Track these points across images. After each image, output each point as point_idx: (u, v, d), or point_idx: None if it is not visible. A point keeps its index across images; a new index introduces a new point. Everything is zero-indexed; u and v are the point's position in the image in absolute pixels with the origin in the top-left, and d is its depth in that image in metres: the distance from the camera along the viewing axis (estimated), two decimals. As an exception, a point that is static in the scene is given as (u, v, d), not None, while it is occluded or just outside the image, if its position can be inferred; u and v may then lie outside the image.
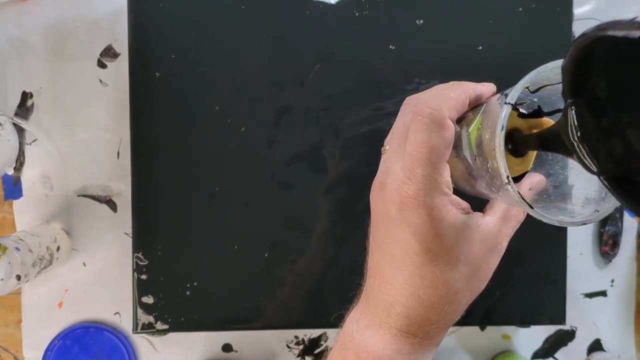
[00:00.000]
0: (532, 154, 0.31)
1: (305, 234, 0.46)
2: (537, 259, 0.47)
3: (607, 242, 0.52)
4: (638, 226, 0.54)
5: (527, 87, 0.28)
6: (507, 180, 0.25)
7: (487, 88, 0.32)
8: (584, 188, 0.29)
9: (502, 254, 0.32)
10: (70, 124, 0.51)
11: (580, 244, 0.53)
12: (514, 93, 0.26)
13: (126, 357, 0.52)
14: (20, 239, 0.45)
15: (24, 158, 0.52)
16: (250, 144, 0.46)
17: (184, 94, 0.46)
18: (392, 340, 0.30)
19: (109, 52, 0.51)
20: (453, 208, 0.29)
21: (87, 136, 0.51)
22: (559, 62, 0.25)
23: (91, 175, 0.52)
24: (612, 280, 0.54)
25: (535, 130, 0.31)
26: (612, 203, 0.27)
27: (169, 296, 0.46)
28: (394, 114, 0.34)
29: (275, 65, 0.46)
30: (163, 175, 0.46)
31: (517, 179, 0.31)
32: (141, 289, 0.46)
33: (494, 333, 0.54)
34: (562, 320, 0.48)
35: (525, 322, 0.48)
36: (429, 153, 0.28)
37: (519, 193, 0.25)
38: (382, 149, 0.33)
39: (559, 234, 0.47)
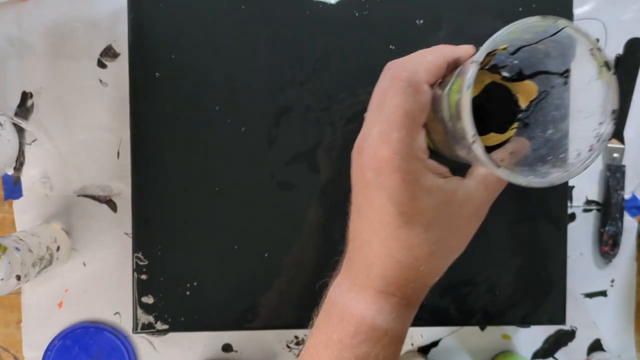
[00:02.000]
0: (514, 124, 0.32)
1: (305, 234, 0.46)
2: (537, 259, 0.47)
3: (607, 242, 0.52)
4: (638, 226, 0.54)
5: (505, 49, 0.29)
6: (472, 139, 0.25)
7: (465, 51, 0.32)
8: (560, 149, 0.29)
9: (482, 219, 0.32)
10: (70, 124, 0.51)
11: (580, 244, 0.53)
12: (481, 52, 0.25)
13: (126, 357, 0.52)
14: (20, 239, 0.45)
15: (24, 158, 0.52)
16: (250, 144, 0.46)
17: (184, 94, 0.46)
18: (372, 301, 0.31)
19: (109, 52, 0.51)
20: (429, 172, 0.29)
21: (87, 136, 0.51)
22: (529, 20, 0.25)
23: (91, 175, 0.52)
24: (612, 280, 0.54)
25: (519, 94, 0.32)
26: (581, 164, 0.27)
27: (169, 296, 0.46)
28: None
29: (275, 65, 0.46)
30: (163, 175, 0.46)
31: (500, 146, 0.31)
32: (141, 289, 0.46)
33: (494, 333, 0.54)
34: (562, 320, 0.48)
35: (525, 322, 0.48)
36: (404, 117, 0.28)
37: (483, 150, 0.25)
38: (364, 115, 0.33)
39: (559, 234, 0.47)
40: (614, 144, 0.53)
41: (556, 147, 0.29)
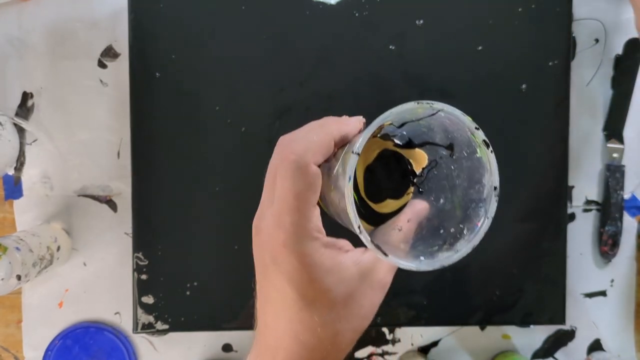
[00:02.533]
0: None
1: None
2: (537, 259, 0.47)
3: (607, 242, 0.52)
4: (638, 226, 0.54)
5: (391, 124, 0.30)
6: (358, 230, 0.26)
7: (352, 127, 0.31)
8: (451, 222, 0.29)
9: (387, 288, 0.31)
10: (71, 124, 0.51)
11: (580, 244, 0.53)
12: (360, 142, 0.26)
13: (126, 357, 0.52)
14: (21, 239, 0.45)
15: (24, 158, 0.52)
16: (250, 144, 0.46)
17: (184, 94, 0.46)
18: None
19: (109, 52, 0.51)
20: (327, 251, 0.29)
21: (88, 136, 0.51)
22: (405, 107, 0.26)
23: (91, 175, 0.52)
24: (612, 280, 0.54)
25: (412, 160, 0.33)
26: (468, 243, 0.27)
27: (169, 296, 0.46)
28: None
29: (275, 65, 0.46)
30: (163, 176, 0.46)
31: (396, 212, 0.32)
32: (141, 289, 0.46)
33: (494, 333, 0.54)
34: (562, 320, 0.48)
35: (525, 322, 0.48)
36: (295, 200, 0.28)
37: (369, 241, 0.26)
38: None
39: (559, 234, 0.47)
40: (614, 144, 0.53)
41: (448, 219, 0.30)
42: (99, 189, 0.52)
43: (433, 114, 0.27)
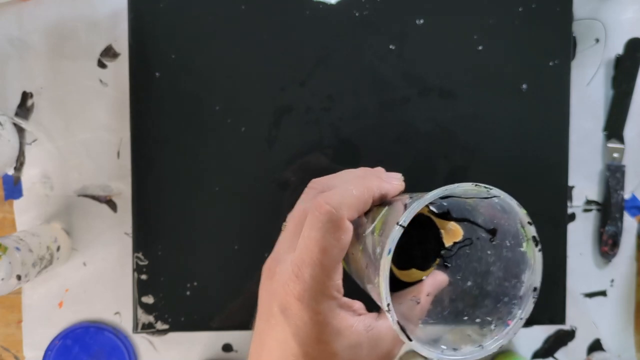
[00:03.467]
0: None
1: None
2: (537, 259, 0.47)
3: (607, 242, 0.52)
4: (638, 226, 0.54)
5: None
6: (387, 308, 0.24)
7: (393, 186, 0.29)
8: (476, 311, 0.28)
9: (394, 359, 0.29)
10: (71, 124, 0.51)
11: (580, 244, 0.53)
12: (407, 215, 0.24)
13: (126, 356, 0.52)
14: (21, 239, 0.45)
15: (24, 158, 0.52)
16: (250, 144, 0.46)
17: (184, 94, 0.46)
18: None
19: (109, 52, 0.51)
20: (341, 312, 0.27)
21: (87, 136, 0.51)
22: (462, 186, 0.25)
23: (91, 175, 0.52)
24: (612, 280, 0.54)
25: (444, 231, 0.31)
26: (495, 341, 0.25)
27: (169, 296, 0.46)
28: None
29: (275, 65, 0.46)
30: (163, 175, 0.46)
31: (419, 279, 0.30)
32: (141, 288, 0.46)
33: (494, 333, 0.54)
34: (562, 320, 0.48)
35: (525, 322, 0.48)
36: (320, 254, 0.26)
37: (395, 321, 0.24)
38: (282, 225, 0.31)
39: (559, 234, 0.47)
40: (614, 144, 0.53)
41: (473, 305, 0.28)
42: (99, 189, 0.52)
43: (486, 198, 0.26)
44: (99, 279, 0.52)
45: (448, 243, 0.31)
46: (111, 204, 0.52)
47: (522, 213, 0.25)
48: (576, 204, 0.53)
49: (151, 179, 0.46)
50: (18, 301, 0.52)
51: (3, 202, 0.52)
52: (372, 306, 0.29)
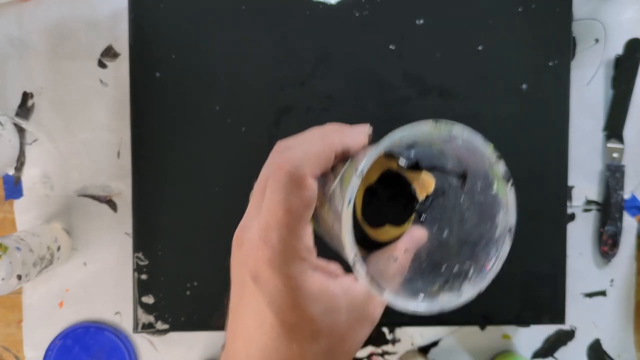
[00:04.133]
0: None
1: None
2: (537, 259, 0.47)
3: (607, 242, 0.52)
4: (638, 226, 0.54)
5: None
6: (352, 260, 0.23)
7: (356, 140, 0.28)
8: (454, 260, 0.27)
9: (375, 324, 0.28)
10: (71, 124, 0.51)
11: (580, 244, 0.53)
12: (365, 163, 0.23)
13: (127, 356, 0.52)
14: (21, 239, 0.45)
15: (24, 158, 0.52)
16: (250, 144, 0.46)
17: (184, 94, 0.46)
18: None
19: (109, 52, 0.51)
20: (315, 274, 0.26)
21: (88, 136, 0.51)
22: (421, 127, 0.23)
23: (91, 175, 0.52)
24: (612, 280, 0.54)
25: (416, 185, 0.29)
26: (473, 288, 0.25)
27: (169, 296, 0.46)
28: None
29: (275, 65, 0.46)
30: (163, 175, 0.46)
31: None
32: (141, 288, 0.46)
33: (494, 333, 0.54)
34: (562, 320, 0.48)
35: (525, 322, 0.48)
36: (285, 215, 0.25)
37: (365, 274, 0.23)
38: (250, 194, 0.30)
39: (559, 234, 0.47)
40: (614, 144, 0.53)
41: (451, 255, 0.27)
42: (99, 189, 0.52)
43: (449, 141, 0.25)
44: (99, 279, 0.52)
45: (421, 196, 0.30)
46: (111, 204, 0.52)
47: (488, 151, 0.24)
48: (576, 204, 0.53)
49: (151, 179, 0.46)
50: (18, 301, 0.53)
51: (3, 202, 0.52)
52: (350, 269, 0.27)
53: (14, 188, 0.52)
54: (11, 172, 0.52)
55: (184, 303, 0.46)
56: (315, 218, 0.28)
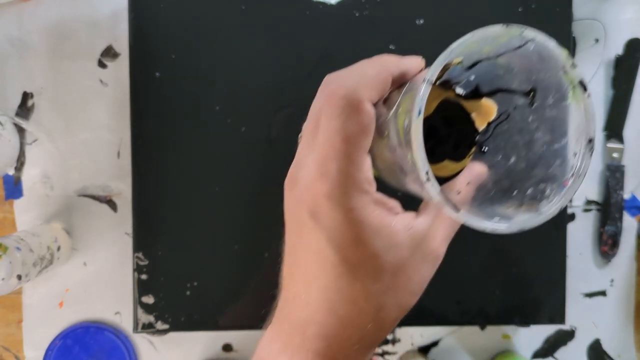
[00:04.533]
0: (471, 148, 0.28)
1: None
2: (537, 258, 0.47)
3: (607, 241, 0.52)
4: (638, 226, 0.54)
5: (460, 63, 0.25)
6: (425, 177, 0.21)
7: (412, 64, 0.27)
8: (526, 183, 0.25)
9: (439, 261, 0.27)
10: (71, 124, 0.51)
11: (579, 244, 0.53)
12: (434, 69, 0.21)
13: (127, 356, 0.52)
14: (21, 239, 0.45)
15: (24, 158, 0.52)
16: (250, 144, 0.46)
17: (184, 94, 0.46)
18: None
19: (109, 52, 0.51)
20: (376, 208, 0.24)
21: (88, 136, 0.51)
22: (491, 29, 0.21)
23: (91, 175, 0.52)
24: (612, 280, 0.54)
25: (474, 113, 0.27)
26: (554, 205, 0.23)
27: (169, 296, 0.46)
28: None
29: (275, 65, 0.46)
30: (163, 175, 0.46)
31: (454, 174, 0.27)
32: (141, 288, 0.46)
33: (494, 333, 0.54)
34: (562, 320, 0.48)
35: (525, 322, 0.48)
36: (343, 144, 0.23)
37: (438, 191, 0.21)
38: (298, 137, 0.28)
39: (559, 233, 0.47)
40: (614, 144, 0.53)
41: (521, 179, 0.25)
42: (99, 189, 0.52)
43: (520, 47, 0.22)
44: (99, 278, 0.52)
45: (481, 126, 0.28)
46: (111, 204, 0.52)
47: (563, 56, 0.22)
48: (576, 204, 0.53)
49: (151, 179, 0.46)
50: (18, 301, 0.53)
51: (3, 202, 0.52)
52: (408, 208, 0.26)
53: (14, 188, 0.52)
54: (11, 172, 0.52)
55: (184, 303, 0.46)
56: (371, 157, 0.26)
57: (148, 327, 0.46)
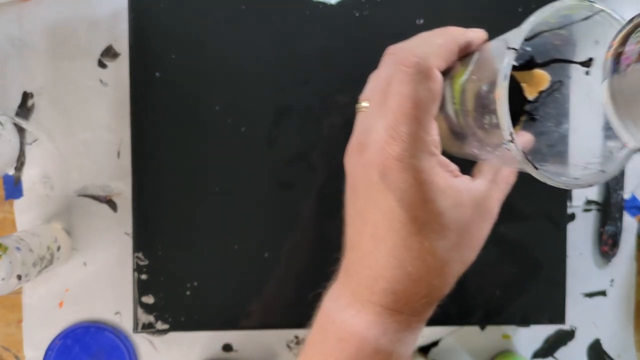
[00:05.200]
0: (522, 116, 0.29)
1: (305, 234, 0.46)
2: (537, 259, 0.47)
3: (607, 241, 0.52)
4: (638, 226, 0.54)
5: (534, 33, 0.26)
6: (510, 138, 0.22)
7: (477, 34, 0.28)
8: (583, 146, 0.26)
9: (494, 220, 0.29)
10: (71, 124, 0.51)
11: (580, 244, 0.53)
12: (519, 37, 0.22)
13: (126, 356, 0.52)
14: (21, 239, 0.45)
15: (24, 158, 0.52)
16: (250, 144, 0.46)
17: (184, 94, 0.46)
18: (377, 320, 0.27)
19: (109, 52, 0.51)
20: (441, 170, 0.26)
21: (87, 136, 0.51)
22: (565, 3, 0.23)
23: (91, 175, 0.52)
24: (612, 280, 0.54)
25: (525, 84, 0.28)
26: (618, 162, 0.24)
27: (169, 296, 0.46)
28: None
29: (275, 65, 0.46)
30: (163, 175, 0.46)
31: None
32: (141, 288, 0.46)
33: (494, 333, 0.54)
34: (562, 320, 0.48)
35: (525, 322, 0.48)
36: (414, 108, 0.25)
37: (521, 150, 0.22)
38: (357, 107, 0.30)
39: (559, 234, 0.47)
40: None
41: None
42: (99, 189, 0.52)
43: (588, 17, 0.23)
44: (99, 278, 0.52)
45: (532, 95, 0.29)
46: (111, 204, 0.52)
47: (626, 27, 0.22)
48: (576, 204, 0.53)
49: (151, 179, 0.46)
50: (18, 301, 0.53)
51: (3, 202, 0.52)
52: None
53: (14, 188, 0.52)
54: (11, 172, 0.52)
55: (184, 303, 0.46)
56: None
57: (148, 327, 0.46)
